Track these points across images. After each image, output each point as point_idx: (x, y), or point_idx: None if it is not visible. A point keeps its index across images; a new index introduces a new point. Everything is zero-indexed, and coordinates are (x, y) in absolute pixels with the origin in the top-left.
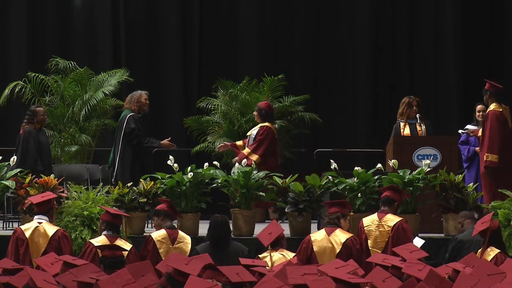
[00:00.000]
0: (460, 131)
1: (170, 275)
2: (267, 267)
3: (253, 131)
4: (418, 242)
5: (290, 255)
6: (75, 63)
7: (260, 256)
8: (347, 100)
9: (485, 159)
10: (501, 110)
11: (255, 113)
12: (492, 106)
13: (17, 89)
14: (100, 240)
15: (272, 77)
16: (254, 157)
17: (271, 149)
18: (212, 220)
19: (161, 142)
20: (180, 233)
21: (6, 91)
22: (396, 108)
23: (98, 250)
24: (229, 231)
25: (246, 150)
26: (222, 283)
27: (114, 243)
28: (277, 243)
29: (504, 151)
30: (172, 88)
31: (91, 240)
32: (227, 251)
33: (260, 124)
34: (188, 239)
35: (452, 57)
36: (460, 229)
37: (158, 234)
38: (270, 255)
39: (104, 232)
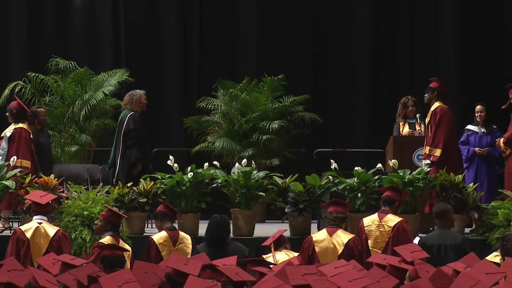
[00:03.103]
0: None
1: (169, 276)
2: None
3: (7, 133)
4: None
5: (294, 255)
6: (75, 63)
7: (264, 256)
8: (347, 100)
9: (427, 152)
10: (447, 106)
11: (7, 113)
12: (438, 103)
13: (17, 89)
14: (107, 240)
15: (272, 77)
16: (27, 163)
17: (26, 151)
18: (211, 221)
19: (137, 164)
20: (181, 233)
21: (6, 91)
22: (396, 108)
23: None
24: (227, 233)
25: (18, 161)
26: (222, 283)
27: (119, 244)
28: (280, 245)
29: (448, 146)
30: (172, 88)
31: (101, 241)
32: (225, 251)
33: (14, 126)
34: (188, 239)
35: (452, 57)
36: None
37: (159, 237)
38: (274, 255)
39: (110, 233)
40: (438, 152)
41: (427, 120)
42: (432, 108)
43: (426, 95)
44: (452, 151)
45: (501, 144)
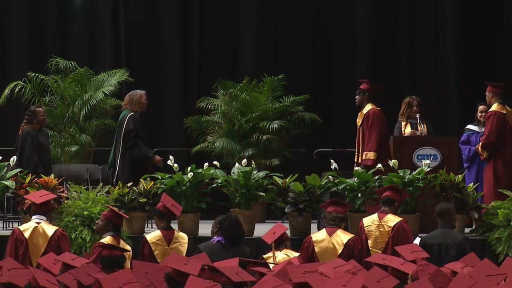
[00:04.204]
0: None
1: (169, 276)
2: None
3: None
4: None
5: (294, 255)
6: (75, 63)
7: (264, 256)
8: (347, 100)
9: (364, 157)
10: (379, 109)
11: None
12: (370, 106)
13: (17, 89)
14: (107, 240)
15: (272, 77)
16: None
17: None
18: (228, 219)
19: (155, 156)
20: (177, 233)
21: (6, 91)
22: (396, 108)
23: None
24: (243, 230)
25: None
26: (222, 283)
27: (119, 244)
28: (281, 243)
29: (381, 149)
30: (172, 88)
31: (101, 241)
32: (239, 250)
33: None
34: (185, 238)
35: (452, 57)
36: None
37: (152, 236)
38: (274, 255)
39: (111, 233)
40: (372, 155)
41: (358, 122)
42: (365, 111)
43: (357, 97)
44: (384, 154)
45: (479, 147)
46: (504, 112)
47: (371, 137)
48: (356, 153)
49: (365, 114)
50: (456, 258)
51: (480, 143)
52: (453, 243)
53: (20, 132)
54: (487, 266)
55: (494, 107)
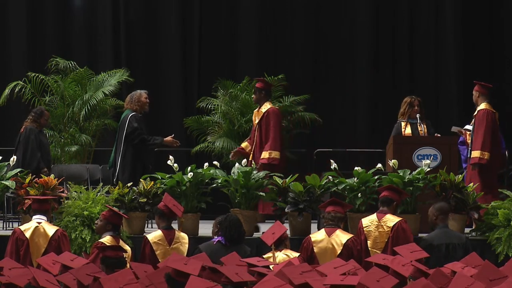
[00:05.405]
0: (452, 128)
1: (169, 276)
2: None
3: None
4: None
5: (294, 255)
6: (75, 63)
7: (264, 256)
8: (347, 100)
9: (268, 156)
10: (277, 107)
11: None
12: (268, 105)
13: (17, 89)
14: (107, 240)
15: (272, 77)
16: None
17: None
18: (228, 219)
19: (165, 139)
20: (177, 233)
21: (6, 91)
22: (396, 108)
23: None
24: (243, 230)
25: None
26: (222, 283)
27: (118, 244)
28: (281, 243)
29: (283, 149)
30: (172, 88)
31: (101, 240)
32: (239, 250)
33: None
34: (185, 238)
35: (452, 57)
36: (434, 221)
37: (154, 236)
38: (274, 255)
39: (110, 233)
40: (277, 155)
41: (256, 120)
42: (263, 110)
43: (253, 96)
44: (283, 153)
45: (477, 153)
46: (494, 111)
47: (274, 136)
48: (251, 152)
49: (264, 113)
50: (462, 258)
51: (479, 147)
52: (459, 243)
53: (22, 129)
54: (490, 269)
55: (484, 105)
